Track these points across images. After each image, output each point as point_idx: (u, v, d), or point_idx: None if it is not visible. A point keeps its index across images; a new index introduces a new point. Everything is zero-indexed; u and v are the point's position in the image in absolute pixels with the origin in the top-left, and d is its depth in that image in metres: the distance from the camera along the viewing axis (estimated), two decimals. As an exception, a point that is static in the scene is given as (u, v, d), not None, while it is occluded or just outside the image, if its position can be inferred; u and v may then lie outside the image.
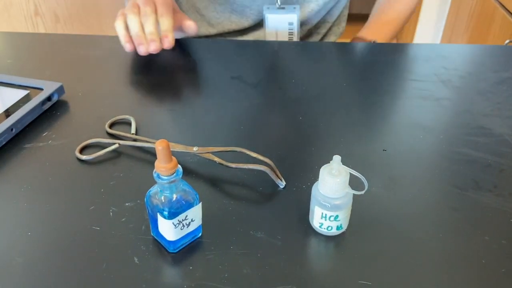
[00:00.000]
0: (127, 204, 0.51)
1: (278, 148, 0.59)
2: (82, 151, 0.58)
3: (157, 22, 0.73)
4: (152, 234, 0.47)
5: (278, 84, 0.72)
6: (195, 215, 0.44)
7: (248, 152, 0.54)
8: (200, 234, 0.47)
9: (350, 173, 0.44)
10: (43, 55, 0.81)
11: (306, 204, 0.49)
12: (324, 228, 0.46)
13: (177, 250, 0.45)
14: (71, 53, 0.80)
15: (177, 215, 0.43)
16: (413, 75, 0.75)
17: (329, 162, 0.45)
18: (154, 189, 0.44)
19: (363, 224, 0.48)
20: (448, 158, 0.57)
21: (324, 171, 0.44)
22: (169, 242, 0.44)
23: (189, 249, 0.46)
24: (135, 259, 0.45)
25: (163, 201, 0.43)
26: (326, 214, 0.45)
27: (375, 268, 0.44)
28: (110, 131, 0.61)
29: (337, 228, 0.46)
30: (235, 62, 0.78)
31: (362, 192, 0.44)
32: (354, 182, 0.45)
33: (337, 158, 0.44)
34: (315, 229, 0.47)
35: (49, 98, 0.65)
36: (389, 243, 0.46)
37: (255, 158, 0.54)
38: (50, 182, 0.54)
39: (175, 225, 0.43)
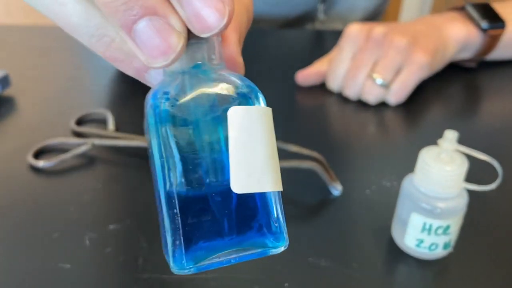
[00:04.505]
0: (111, 226, 0.33)
1: (325, 141, 0.43)
2: (37, 156, 0.40)
3: None
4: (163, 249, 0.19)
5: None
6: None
7: (288, 147, 0.38)
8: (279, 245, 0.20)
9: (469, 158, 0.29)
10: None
11: (376, 216, 0.33)
12: (425, 248, 0.30)
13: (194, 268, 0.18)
14: (17, 44, 0.62)
15: None
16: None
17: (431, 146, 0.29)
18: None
19: (477, 239, 0.33)
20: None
21: (427, 155, 0.29)
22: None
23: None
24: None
25: None
26: (431, 225, 0.29)
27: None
28: (78, 129, 0.43)
29: (444, 246, 0.31)
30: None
31: (493, 187, 0.29)
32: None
33: (450, 135, 0.29)
34: (405, 250, 0.31)
35: (-12, 90, 0.46)
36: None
37: (297, 153, 0.38)
38: (-11, 200, 0.36)
39: None
